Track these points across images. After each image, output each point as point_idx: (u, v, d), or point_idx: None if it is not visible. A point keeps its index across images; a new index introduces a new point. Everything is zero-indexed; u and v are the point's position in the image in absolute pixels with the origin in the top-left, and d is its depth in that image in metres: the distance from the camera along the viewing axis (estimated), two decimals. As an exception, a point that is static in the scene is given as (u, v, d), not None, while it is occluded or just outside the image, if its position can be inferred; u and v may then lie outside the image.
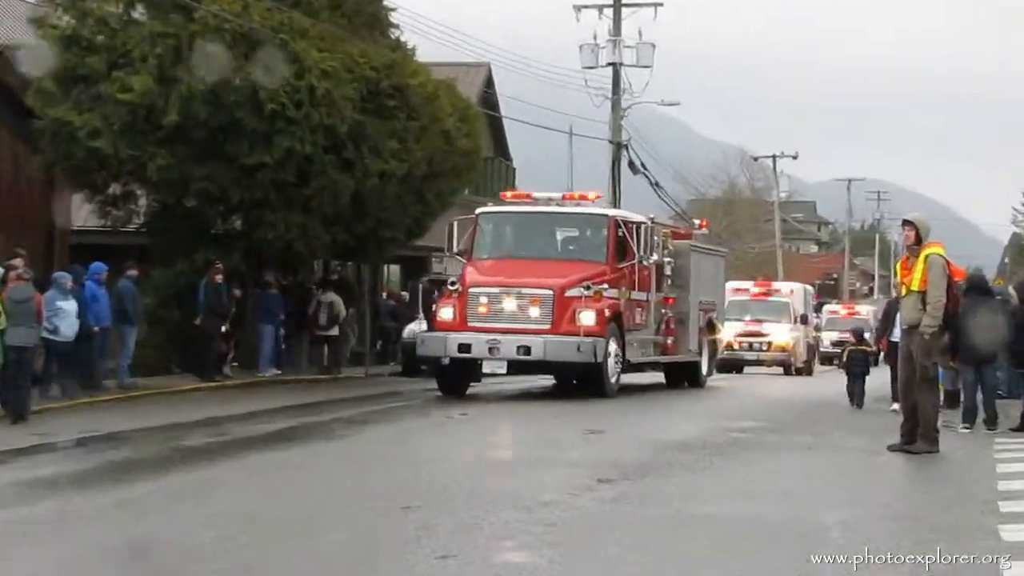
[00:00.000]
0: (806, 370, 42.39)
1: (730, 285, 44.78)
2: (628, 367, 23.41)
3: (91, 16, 24.76)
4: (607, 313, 21.90)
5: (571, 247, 24.07)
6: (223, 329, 25.29)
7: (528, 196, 24.88)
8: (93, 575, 9.35)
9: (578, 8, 46.02)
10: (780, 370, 40.48)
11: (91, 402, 20.98)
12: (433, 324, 23.28)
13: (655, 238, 24.47)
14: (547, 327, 21.55)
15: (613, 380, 22.07)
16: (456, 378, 22.94)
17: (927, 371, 15.10)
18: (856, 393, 22.05)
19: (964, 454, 15.24)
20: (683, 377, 27.25)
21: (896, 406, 17.28)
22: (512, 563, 8.86)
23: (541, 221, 24.05)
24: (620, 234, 23.25)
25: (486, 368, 22.56)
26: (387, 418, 20.69)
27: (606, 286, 22.30)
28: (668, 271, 25.85)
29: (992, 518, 10.16)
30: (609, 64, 45.97)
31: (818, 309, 59.78)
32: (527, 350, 21.27)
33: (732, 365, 38.79)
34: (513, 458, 15.44)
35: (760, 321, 41.09)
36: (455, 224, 24.25)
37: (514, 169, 50.71)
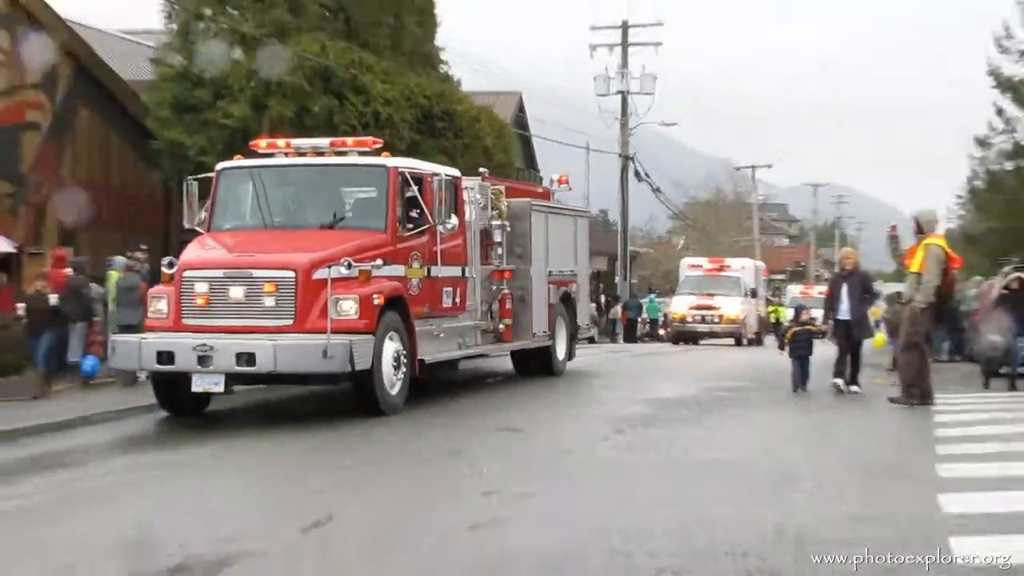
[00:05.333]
0: (757, 341, 38.59)
1: (686, 261, 43.25)
2: (427, 369, 15.00)
3: (199, 56, 24.99)
4: (378, 300, 13.55)
5: (338, 211, 14.94)
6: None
7: (286, 145, 15.61)
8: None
9: (593, 47, 46.83)
10: (732, 341, 36.69)
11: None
12: (143, 322, 14.91)
13: (469, 195, 16.88)
14: (288, 323, 13.30)
15: (395, 390, 13.84)
16: (178, 390, 13.90)
17: (911, 336, 14.83)
18: (799, 377, 16.46)
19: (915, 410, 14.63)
20: (533, 365, 19.21)
21: (839, 382, 16.22)
22: (545, 497, 8.91)
23: (298, 178, 15.25)
24: (407, 192, 14.79)
25: (196, 385, 13.38)
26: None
27: (380, 262, 13.92)
28: (500, 237, 17.66)
29: (930, 457, 10.22)
30: (618, 92, 46.56)
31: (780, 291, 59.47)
32: (250, 359, 12.90)
33: (687, 336, 36.45)
34: (545, 416, 14.83)
35: (712, 295, 37.31)
36: (194, 186, 15.30)
37: (540, 178, 50.67)
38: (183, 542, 7.60)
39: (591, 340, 37.66)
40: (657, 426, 13.04)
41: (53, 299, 17.88)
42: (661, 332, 43.36)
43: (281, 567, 7.10)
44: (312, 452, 11.49)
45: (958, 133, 70.24)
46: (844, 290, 16.30)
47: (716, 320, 36.59)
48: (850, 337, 16.34)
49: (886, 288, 36.68)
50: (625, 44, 46.63)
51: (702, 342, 35.63)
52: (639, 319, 43.85)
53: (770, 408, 14.84)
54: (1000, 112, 32.28)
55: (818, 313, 18.56)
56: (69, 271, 18.56)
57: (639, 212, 57.78)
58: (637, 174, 47.48)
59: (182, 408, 14.11)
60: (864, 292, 16.56)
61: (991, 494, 8.32)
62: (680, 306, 37.76)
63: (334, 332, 12.91)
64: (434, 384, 16.56)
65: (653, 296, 47.70)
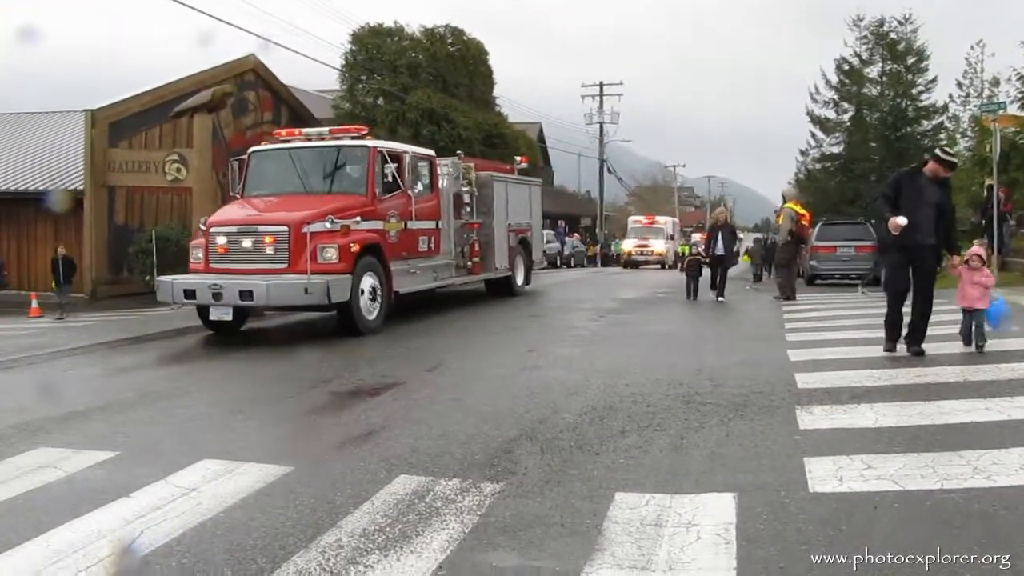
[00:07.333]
0: (673, 266, 35.51)
1: (632, 218, 40.74)
2: (400, 298, 11.59)
3: (357, 102, 24.79)
4: (355, 248, 10.35)
5: (332, 181, 11.50)
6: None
7: (299, 133, 12.31)
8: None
9: (582, 96, 46.30)
10: (659, 266, 34.52)
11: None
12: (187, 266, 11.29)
13: (443, 170, 13.43)
14: (284, 266, 10.17)
15: (372, 316, 10.62)
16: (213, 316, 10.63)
17: (781, 261, 14.82)
18: (691, 290, 14.89)
19: (774, 305, 14.48)
20: (499, 289, 15.56)
21: (712, 295, 14.62)
22: (562, 352, 8.87)
23: (304, 156, 11.77)
24: (383, 166, 11.35)
25: (212, 315, 10.45)
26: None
27: (358, 219, 10.62)
28: (468, 200, 14.14)
29: (781, 330, 10.07)
30: (598, 123, 45.89)
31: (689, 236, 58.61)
32: (249, 295, 9.91)
33: (633, 264, 34.45)
34: (558, 308, 14.55)
35: (647, 238, 35.71)
36: (235, 164, 12.27)
37: (553, 172, 50.15)
38: (356, 378, 7.62)
39: (582, 265, 37.29)
40: (625, 312, 12.94)
41: None
42: (620, 260, 43.14)
43: (419, 386, 7.09)
44: (421, 332, 11.21)
45: (791, 147, 71.01)
46: (719, 235, 15.23)
47: (649, 254, 35.14)
48: (721, 264, 15.14)
49: (749, 236, 36.75)
50: (601, 95, 45.92)
51: (642, 267, 34.29)
52: (608, 253, 43.61)
53: (687, 304, 14.62)
54: (813, 135, 37.13)
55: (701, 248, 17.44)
56: None
57: (609, 191, 57.15)
58: (609, 170, 47.17)
59: (220, 328, 10.77)
60: (731, 237, 15.62)
61: (814, 350, 8.19)
62: (629, 245, 36.43)
63: (321, 273, 9.96)
64: (477, 299, 15.71)
65: (616, 240, 47.39)
